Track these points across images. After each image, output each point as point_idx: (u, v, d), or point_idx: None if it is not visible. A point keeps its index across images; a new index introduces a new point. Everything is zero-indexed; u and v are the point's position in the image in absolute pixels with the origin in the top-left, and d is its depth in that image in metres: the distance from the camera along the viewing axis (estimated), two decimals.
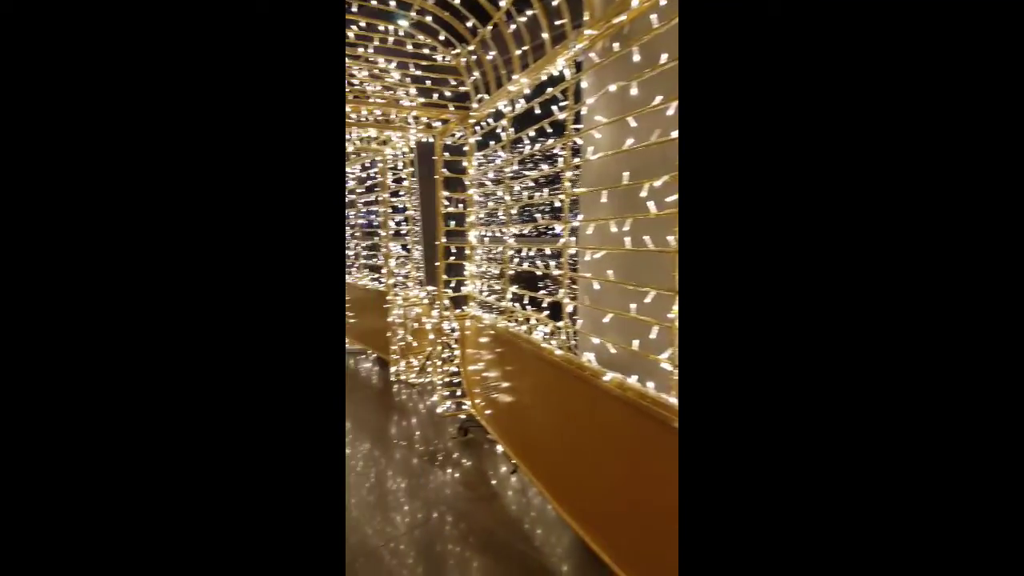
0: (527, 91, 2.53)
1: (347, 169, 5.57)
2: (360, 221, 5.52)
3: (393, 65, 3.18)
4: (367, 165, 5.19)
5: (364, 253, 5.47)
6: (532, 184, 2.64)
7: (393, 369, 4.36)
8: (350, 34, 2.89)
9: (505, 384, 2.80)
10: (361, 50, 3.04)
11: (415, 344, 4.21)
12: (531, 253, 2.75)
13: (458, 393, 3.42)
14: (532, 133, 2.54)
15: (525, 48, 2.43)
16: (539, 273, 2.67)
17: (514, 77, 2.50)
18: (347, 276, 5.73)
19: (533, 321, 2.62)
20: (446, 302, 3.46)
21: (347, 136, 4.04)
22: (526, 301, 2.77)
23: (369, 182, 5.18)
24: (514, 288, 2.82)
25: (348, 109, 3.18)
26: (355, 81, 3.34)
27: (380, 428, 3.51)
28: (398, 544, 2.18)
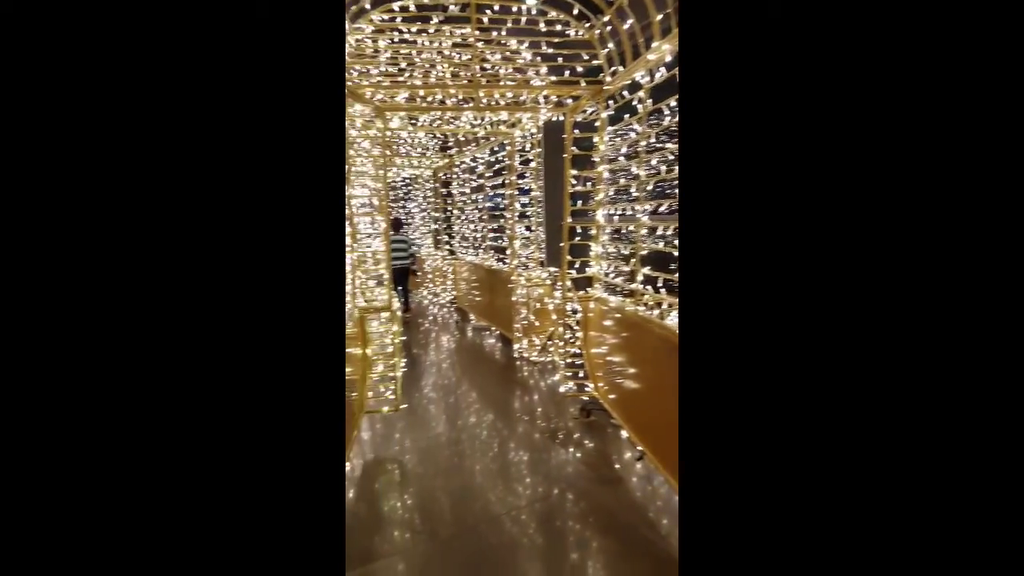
0: (668, 58, 2.35)
1: (477, 155, 5.81)
2: (487, 204, 5.75)
3: (525, 45, 3.20)
4: (495, 149, 5.36)
5: (490, 235, 5.70)
6: (671, 157, 2.47)
7: (516, 346, 4.51)
8: (484, 19, 2.96)
9: (632, 370, 2.72)
10: (495, 34, 3.10)
11: (537, 324, 4.29)
12: (668, 232, 2.59)
13: (580, 375, 3.42)
14: (673, 103, 2.36)
15: (667, 11, 2.25)
16: (676, 254, 2.50)
17: (654, 44, 2.33)
18: (474, 257, 6.03)
19: (666, 306, 2.48)
20: (568, 283, 3.45)
21: (479, 121, 4.20)
22: (659, 284, 2.62)
23: (497, 166, 5.34)
24: (645, 270, 2.69)
25: (481, 94, 3.29)
26: (488, 65, 3.44)
27: (503, 401, 3.67)
28: (519, 514, 2.27)
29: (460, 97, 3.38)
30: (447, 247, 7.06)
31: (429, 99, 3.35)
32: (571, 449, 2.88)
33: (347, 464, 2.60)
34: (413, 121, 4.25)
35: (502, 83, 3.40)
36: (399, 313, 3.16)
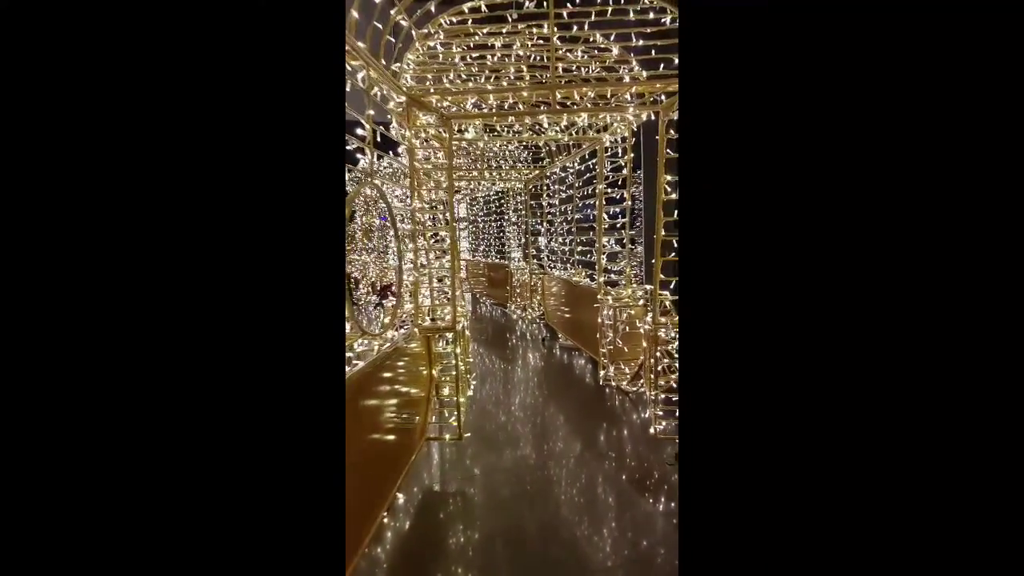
0: None
1: (567, 164, 5.53)
2: (577, 216, 5.43)
3: (611, 39, 2.87)
4: (586, 157, 5.03)
5: (579, 249, 5.36)
6: None
7: (602, 372, 4.10)
8: (563, 13, 2.69)
9: None
10: (575, 28, 2.81)
11: (626, 349, 3.84)
12: None
13: (678, 413, 2.92)
14: None
15: None
16: None
17: None
18: (562, 272, 5.73)
19: None
20: (666, 305, 2.98)
21: (563, 127, 3.93)
22: None
23: (587, 175, 5.01)
24: None
25: (558, 95, 3.01)
26: (572, 66, 3.16)
27: (588, 433, 3.29)
28: (606, 560, 1.97)
29: (535, 100, 3.12)
30: (535, 261, 6.86)
31: (504, 105, 3.14)
32: (663, 499, 2.43)
33: (400, 495, 2.45)
34: (493, 131, 4.11)
35: (585, 81, 3.09)
36: (467, 333, 2.97)
